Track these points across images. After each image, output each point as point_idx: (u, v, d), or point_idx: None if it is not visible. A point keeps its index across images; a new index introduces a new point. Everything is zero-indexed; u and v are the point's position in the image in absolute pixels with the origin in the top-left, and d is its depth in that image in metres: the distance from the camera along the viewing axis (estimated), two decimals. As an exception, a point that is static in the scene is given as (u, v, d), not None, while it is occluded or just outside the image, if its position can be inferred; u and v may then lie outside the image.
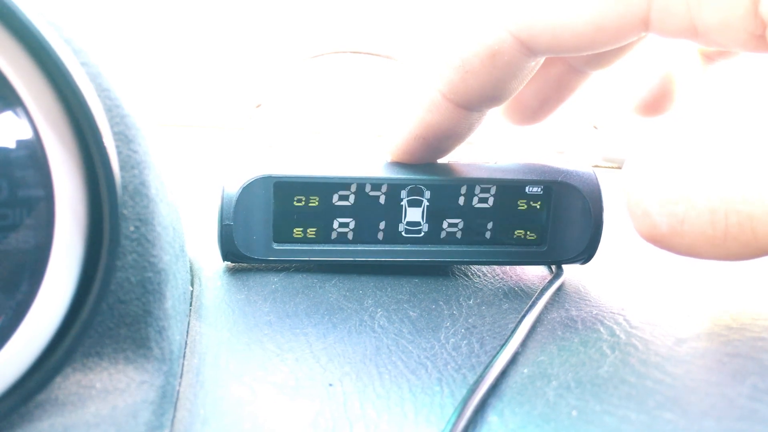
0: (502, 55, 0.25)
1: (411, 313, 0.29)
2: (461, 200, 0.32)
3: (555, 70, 0.31)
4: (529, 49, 0.25)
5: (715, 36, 0.21)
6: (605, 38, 0.23)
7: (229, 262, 0.33)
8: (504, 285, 0.33)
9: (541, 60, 0.27)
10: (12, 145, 0.19)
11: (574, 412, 0.21)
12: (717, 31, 0.21)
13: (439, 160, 0.32)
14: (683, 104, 0.33)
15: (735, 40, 0.21)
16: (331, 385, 0.23)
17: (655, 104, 0.32)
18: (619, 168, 0.59)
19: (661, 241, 0.20)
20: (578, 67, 0.31)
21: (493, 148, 0.40)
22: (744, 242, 0.18)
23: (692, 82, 0.32)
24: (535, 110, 0.33)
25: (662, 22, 0.22)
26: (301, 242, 0.32)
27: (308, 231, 0.32)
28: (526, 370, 0.24)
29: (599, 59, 0.30)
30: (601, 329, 0.28)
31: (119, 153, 0.22)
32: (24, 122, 0.19)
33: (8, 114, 0.19)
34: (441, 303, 0.30)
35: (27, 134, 0.19)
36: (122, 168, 0.22)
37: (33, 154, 0.19)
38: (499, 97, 0.27)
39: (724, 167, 0.18)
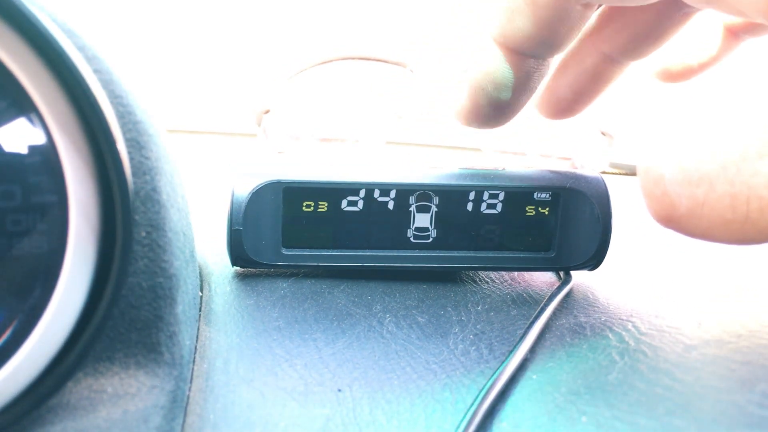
0: None
1: (419, 318, 0.29)
2: (470, 206, 0.32)
3: (590, 59, 0.31)
4: None
5: (735, 1, 0.21)
6: None
7: (238, 267, 0.33)
8: (512, 291, 0.33)
9: (589, 11, 0.27)
10: (26, 152, 0.19)
11: (584, 418, 0.21)
12: None
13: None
14: (708, 85, 0.33)
15: (755, 8, 0.20)
16: (340, 390, 0.23)
17: (676, 72, 0.32)
18: (627, 174, 0.59)
19: (678, 222, 0.20)
20: (614, 57, 0.30)
21: (501, 155, 0.40)
22: (762, 228, 0.18)
23: (716, 55, 0.32)
24: (570, 103, 0.32)
25: None
26: (310, 247, 0.32)
27: (317, 236, 0.32)
28: (535, 377, 0.24)
29: (635, 47, 0.30)
30: (610, 336, 0.27)
31: (131, 159, 0.22)
32: (38, 129, 0.19)
33: (23, 120, 0.19)
34: (449, 309, 0.30)
35: (41, 141, 0.19)
36: (134, 174, 0.22)
37: (47, 160, 0.19)
38: (549, 41, 0.27)
39: (749, 152, 0.18)
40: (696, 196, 0.19)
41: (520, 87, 0.29)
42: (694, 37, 0.32)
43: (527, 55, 0.28)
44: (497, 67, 0.28)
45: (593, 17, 0.30)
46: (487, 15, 0.28)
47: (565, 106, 0.32)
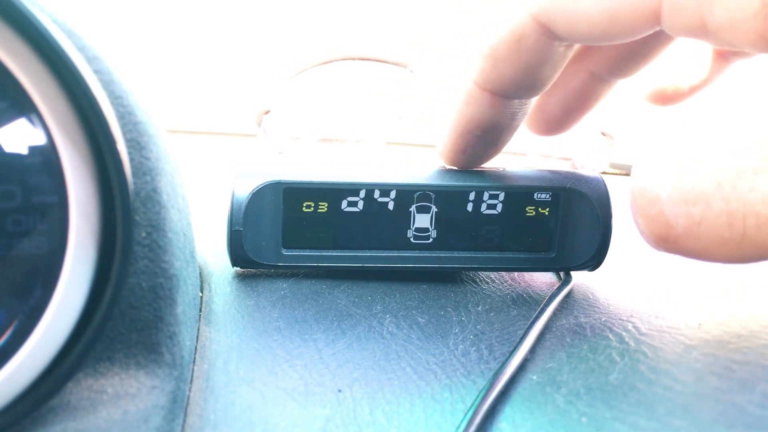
0: (527, 39, 0.26)
1: (420, 319, 0.29)
2: (470, 206, 0.32)
3: (578, 78, 0.31)
4: (550, 33, 0.25)
5: (724, 35, 0.21)
6: (619, 28, 0.23)
7: (238, 268, 0.33)
8: (512, 291, 0.33)
9: (570, 51, 0.27)
10: (26, 152, 0.19)
11: (584, 419, 0.21)
12: (726, 30, 0.21)
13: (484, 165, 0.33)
14: (701, 103, 0.33)
15: (744, 40, 0.21)
16: (340, 391, 0.23)
17: (667, 95, 0.32)
18: (627, 175, 0.59)
19: (675, 242, 0.20)
20: (602, 76, 0.31)
21: (501, 155, 0.40)
22: (759, 245, 0.18)
23: (707, 77, 0.32)
24: (559, 120, 0.32)
25: (673, 17, 0.22)
26: (310, 248, 0.32)
27: (317, 237, 0.32)
28: (535, 377, 0.24)
29: (623, 67, 0.30)
30: (610, 336, 0.28)
31: (132, 160, 0.22)
32: (38, 129, 0.19)
33: (23, 121, 0.19)
34: (450, 309, 0.30)
35: (41, 141, 0.19)
36: (134, 175, 0.22)
37: (47, 160, 0.19)
38: (533, 83, 0.27)
39: (744, 168, 0.18)
40: (692, 214, 0.19)
41: (505, 127, 0.30)
42: (684, 59, 0.32)
43: (511, 97, 0.28)
44: (482, 111, 0.29)
45: None
46: (469, 62, 0.29)
47: (555, 123, 0.33)
